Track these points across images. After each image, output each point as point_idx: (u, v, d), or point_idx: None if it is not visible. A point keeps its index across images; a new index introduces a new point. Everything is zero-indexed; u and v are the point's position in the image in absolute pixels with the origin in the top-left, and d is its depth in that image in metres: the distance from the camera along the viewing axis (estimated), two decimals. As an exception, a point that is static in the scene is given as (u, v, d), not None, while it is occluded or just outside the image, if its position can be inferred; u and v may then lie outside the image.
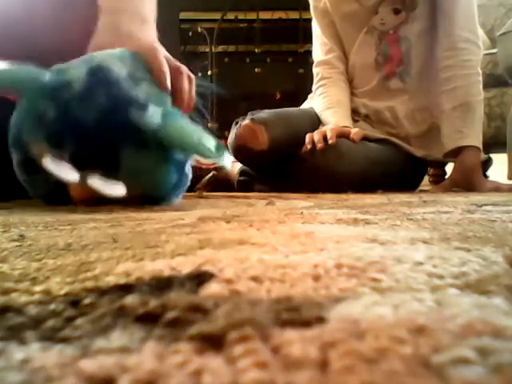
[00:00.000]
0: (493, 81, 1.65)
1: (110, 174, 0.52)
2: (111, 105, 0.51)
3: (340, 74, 1.31)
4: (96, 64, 0.54)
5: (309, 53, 1.45)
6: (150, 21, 0.69)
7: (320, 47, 1.35)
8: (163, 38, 0.82)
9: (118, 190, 0.53)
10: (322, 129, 1.16)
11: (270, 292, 0.17)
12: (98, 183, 0.52)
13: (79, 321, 0.14)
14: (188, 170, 0.61)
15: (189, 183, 0.63)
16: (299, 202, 0.72)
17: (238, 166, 1.34)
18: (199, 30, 2.85)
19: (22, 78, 0.55)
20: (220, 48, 2.82)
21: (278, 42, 2.87)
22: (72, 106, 0.51)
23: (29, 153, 0.54)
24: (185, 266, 0.21)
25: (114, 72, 0.53)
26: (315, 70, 1.35)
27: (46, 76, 0.54)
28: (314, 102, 1.33)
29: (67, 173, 0.52)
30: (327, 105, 1.26)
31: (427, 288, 0.17)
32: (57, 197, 0.58)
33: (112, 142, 0.52)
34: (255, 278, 0.19)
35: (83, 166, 0.52)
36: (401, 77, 1.25)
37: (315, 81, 1.35)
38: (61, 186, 0.54)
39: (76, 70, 0.54)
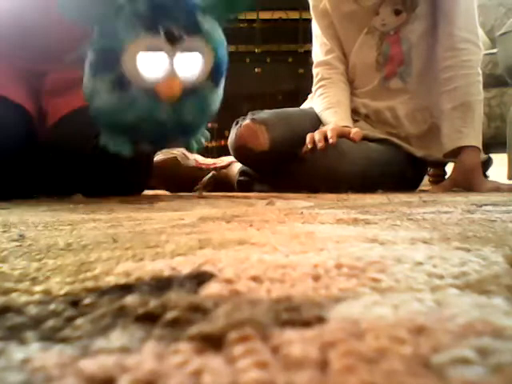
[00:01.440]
0: (493, 81, 1.65)
1: (196, 39, 0.63)
2: None
3: (340, 75, 1.31)
4: None
5: (309, 53, 1.44)
6: None
7: (320, 48, 1.34)
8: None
9: (198, 67, 0.63)
10: (322, 129, 1.16)
11: (270, 292, 0.17)
12: (183, 66, 0.62)
13: (79, 321, 0.14)
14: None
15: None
16: (299, 202, 0.72)
17: (238, 165, 1.34)
18: (199, 29, 2.84)
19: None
20: None
21: (278, 42, 2.87)
22: None
23: (120, 67, 0.61)
24: (185, 265, 0.21)
25: None
26: (315, 70, 1.35)
27: None
28: (314, 102, 1.33)
29: (160, 65, 0.61)
30: (327, 105, 1.26)
31: (427, 288, 0.17)
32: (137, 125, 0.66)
33: (192, 11, 0.62)
34: (255, 278, 0.19)
35: (174, 40, 0.61)
36: (401, 77, 1.25)
37: (315, 81, 1.34)
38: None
39: None
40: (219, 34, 0.67)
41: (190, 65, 0.63)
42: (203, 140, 0.74)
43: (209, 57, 0.64)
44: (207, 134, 0.75)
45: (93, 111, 0.67)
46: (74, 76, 1.00)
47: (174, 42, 0.61)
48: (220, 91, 0.71)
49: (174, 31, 0.61)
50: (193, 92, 0.65)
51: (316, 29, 1.35)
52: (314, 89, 1.35)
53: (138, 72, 0.61)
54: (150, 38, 0.60)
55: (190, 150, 0.75)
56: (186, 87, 0.63)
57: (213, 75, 0.66)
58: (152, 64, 0.61)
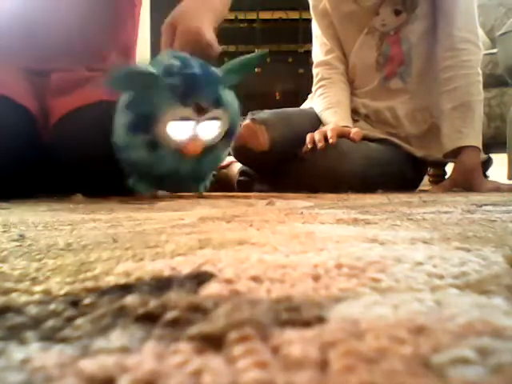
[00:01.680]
0: (493, 81, 1.64)
1: (218, 109, 0.74)
2: (209, 68, 0.76)
3: (340, 75, 1.31)
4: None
5: (309, 53, 1.44)
6: (216, 13, 0.87)
7: (320, 48, 1.34)
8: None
9: (217, 131, 0.75)
10: (322, 129, 1.16)
11: (270, 292, 0.17)
12: (205, 131, 0.74)
13: (79, 321, 0.14)
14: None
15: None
16: (299, 202, 0.72)
17: (238, 165, 1.34)
18: (199, 29, 2.84)
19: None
20: (220, 48, 2.82)
21: (278, 42, 2.87)
22: (189, 73, 0.73)
23: (154, 131, 0.71)
24: (185, 266, 0.21)
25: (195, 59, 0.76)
26: (315, 70, 1.35)
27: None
28: (314, 102, 1.33)
29: (187, 130, 0.72)
30: (327, 105, 1.26)
31: (427, 288, 0.17)
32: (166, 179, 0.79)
33: (216, 86, 0.75)
34: (255, 278, 0.19)
35: (201, 111, 0.72)
36: (401, 77, 1.25)
37: (315, 81, 1.34)
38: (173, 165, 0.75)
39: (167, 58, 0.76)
40: (235, 102, 0.81)
41: (211, 129, 0.75)
42: (208, 184, 0.88)
43: (225, 122, 0.77)
44: (212, 178, 0.89)
45: (124, 162, 0.78)
46: (77, 76, 1.01)
47: (200, 112, 0.72)
48: (229, 145, 0.85)
49: (202, 104, 0.72)
50: (210, 150, 0.77)
51: (316, 29, 1.35)
52: (313, 89, 1.35)
53: (168, 136, 0.72)
54: (182, 108, 0.71)
55: (198, 193, 0.87)
56: (206, 147, 0.75)
57: (227, 135, 0.79)
58: (180, 129, 0.72)
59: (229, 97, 0.78)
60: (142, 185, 0.80)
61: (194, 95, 0.71)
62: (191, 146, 0.73)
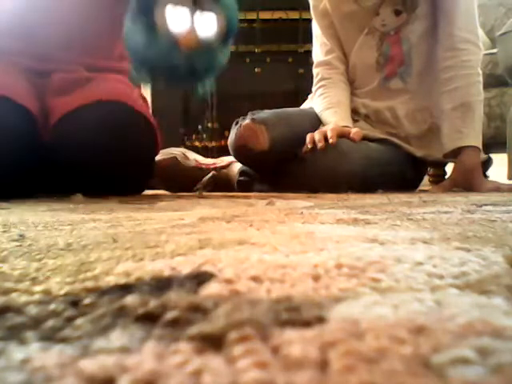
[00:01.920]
0: (493, 81, 1.64)
1: (213, 3, 0.77)
2: None
3: (340, 75, 1.31)
4: None
5: (309, 53, 1.44)
6: None
7: (320, 48, 1.34)
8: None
9: (213, 28, 0.78)
10: (322, 128, 1.16)
11: (270, 292, 0.17)
12: (201, 25, 0.76)
13: (79, 321, 0.14)
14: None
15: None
16: (299, 202, 0.72)
17: (238, 165, 1.34)
18: (199, 30, 2.84)
19: None
20: None
21: (278, 42, 2.87)
22: None
23: (153, 16, 0.75)
24: (185, 265, 0.21)
25: None
26: (315, 70, 1.35)
27: None
28: (314, 102, 1.33)
29: (183, 21, 0.75)
30: (327, 105, 1.26)
31: (427, 288, 0.17)
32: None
33: None
34: (255, 278, 0.19)
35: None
36: (402, 77, 1.25)
37: (315, 81, 1.34)
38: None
39: None
40: (234, 9, 0.82)
41: (206, 25, 0.78)
42: (208, 88, 0.88)
43: (222, 21, 0.79)
44: (212, 84, 0.89)
45: (128, 49, 0.82)
46: (77, 76, 1.01)
47: (199, 5, 0.75)
48: (228, 50, 0.87)
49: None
50: (206, 47, 0.79)
51: (316, 29, 1.35)
52: (314, 89, 1.35)
53: (165, 22, 0.75)
54: None
55: (195, 94, 0.87)
56: (201, 42, 0.77)
57: (223, 37, 0.81)
58: (177, 19, 0.75)
59: (228, 1, 0.81)
60: (140, 73, 0.83)
61: None
62: (186, 38, 0.76)
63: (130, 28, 0.80)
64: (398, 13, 1.21)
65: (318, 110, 1.29)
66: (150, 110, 1.11)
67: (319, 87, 1.31)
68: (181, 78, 0.85)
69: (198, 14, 0.76)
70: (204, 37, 0.78)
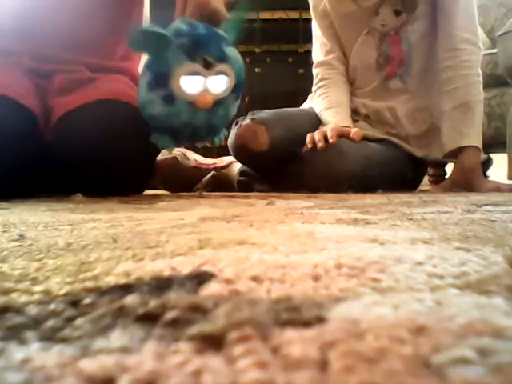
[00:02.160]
0: (493, 81, 1.64)
1: (224, 63, 0.84)
2: (213, 29, 0.87)
3: (340, 75, 1.31)
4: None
5: (309, 53, 1.44)
6: None
7: (320, 48, 1.34)
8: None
9: (224, 84, 0.85)
10: (322, 128, 1.16)
11: (270, 292, 0.17)
12: (214, 85, 0.83)
13: (79, 321, 0.14)
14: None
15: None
16: (299, 202, 0.72)
17: (238, 165, 1.34)
18: (199, 29, 2.84)
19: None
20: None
21: (278, 42, 2.87)
22: (195, 33, 0.83)
23: (169, 86, 0.81)
24: (185, 266, 0.21)
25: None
26: (315, 70, 1.35)
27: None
28: (314, 102, 1.33)
29: (198, 84, 0.82)
30: (327, 105, 1.26)
31: (427, 288, 0.17)
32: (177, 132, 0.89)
33: (220, 43, 0.85)
34: (255, 278, 0.19)
35: (208, 66, 0.82)
36: (401, 77, 1.25)
37: (315, 81, 1.34)
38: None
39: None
40: (238, 58, 0.90)
41: (219, 83, 0.85)
42: (223, 137, 0.96)
43: (232, 77, 0.86)
44: (226, 132, 0.98)
45: (146, 117, 0.88)
46: (79, 76, 1.01)
47: (208, 67, 0.82)
48: (238, 102, 0.94)
49: (208, 59, 0.82)
50: (220, 103, 0.86)
51: (316, 29, 1.35)
52: (314, 89, 1.35)
53: (182, 90, 0.81)
54: (191, 64, 0.81)
55: (213, 144, 0.96)
56: (216, 100, 0.85)
57: (234, 90, 0.88)
58: (192, 84, 0.82)
59: (232, 53, 0.87)
60: (163, 139, 0.90)
61: (201, 51, 0.82)
62: (202, 98, 0.83)
63: (147, 98, 0.85)
64: (397, 13, 1.21)
65: (317, 110, 1.29)
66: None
67: (319, 87, 1.31)
68: (202, 136, 0.92)
69: (210, 77, 0.82)
70: (218, 94, 0.84)
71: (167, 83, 0.82)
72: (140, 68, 0.90)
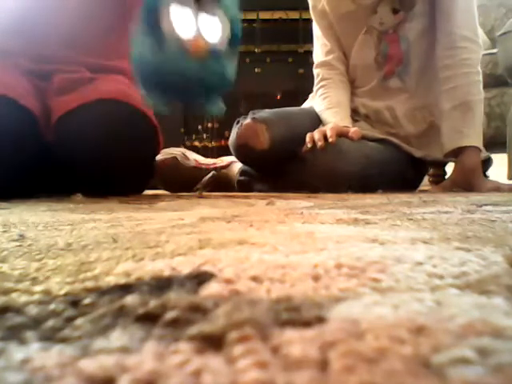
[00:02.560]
0: (493, 81, 1.65)
1: (216, 6, 0.75)
2: None
3: (340, 75, 1.31)
4: None
5: (309, 53, 1.45)
6: None
7: (320, 48, 1.35)
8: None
9: (219, 32, 0.76)
10: (321, 128, 1.16)
11: (270, 292, 0.17)
12: (207, 30, 0.74)
13: (79, 321, 0.14)
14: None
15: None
16: (299, 202, 0.72)
17: (239, 165, 1.34)
18: (199, 29, 2.84)
19: None
20: None
21: (278, 42, 2.87)
22: None
23: (160, 27, 0.71)
24: (185, 266, 0.21)
25: None
26: (315, 71, 1.35)
27: None
28: (315, 102, 1.33)
29: (189, 26, 0.72)
30: (327, 105, 1.26)
31: (427, 288, 0.17)
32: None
33: None
34: (255, 278, 0.19)
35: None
36: (400, 76, 1.25)
37: (316, 82, 1.35)
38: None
39: None
40: (235, 8, 0.80)
41: (212, 29, 0.75)
42: (222, 106, 0.85)
43: (226, 26, 0.76)
44: (223, 106, 0.86)
45: (137, 70, 0.79)
46: (79, 77, 1.01)
47: (201, 8, 0.73)
48: (235, 62, 0.84)
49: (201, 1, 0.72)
50: (215, 56, 0.76)
51: (316, 29, 1.35)
52: (314, 89, 1.36)
53: (173, 27, 0.71)
54: (182, 1, 0.71)
55: (210, 113, 0.84)
56: (210, 48, 0.74)
57: (230, 44, 0.78)
58: (183, 23, 0.72)
59: (230, 3, 0.79)
60: (153, 96, 0.80)
61: None
62: (195, 44, 0.73)
63: (136, 45, 0.77)
64: (395, 11, 1.20)
65: (318, 110, 1.29)
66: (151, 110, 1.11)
67: (320, 87, 1.32)
68: (194, 94, 0.81)
69: (202, 17, 0.73)
70: (212, 42, 0.75)
71: (157, 23, 0.72)
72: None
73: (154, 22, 0.73)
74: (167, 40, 0.72)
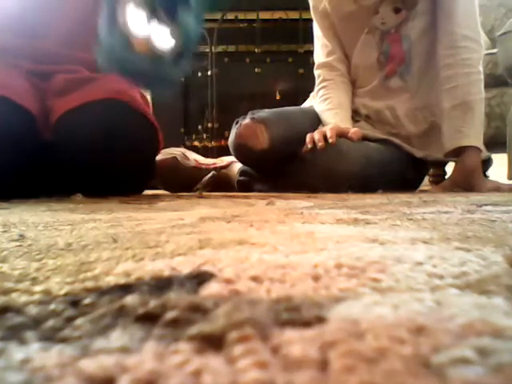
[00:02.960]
0: (493, 81, 1.64)
1: (170, 21, 0.78)
2: None
3: (341, 77, 1.31)
4: None
5: (309, 53, 1.45)
6: None
7: (321, 49, 1.34)
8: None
9: (168, 42, 0.79)
10: (321, 128, 1.16)
11: (270, 292, 0.17)
12: (159, 39, 0.78)
13: (79, 321, 0.14)
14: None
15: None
16: (299, 202, 0.72)
17: (238, 165, 1.34)
18: (199, 29, 2.84)
19: None
20: (220, 48, 2.82)
21: (278, 42, 2.87)
22: None
23: (116, 11, 0.76)
24: (185, 266, 0.21)
25: None
26: (316, 72, 1.35)
27: None
28: (315, 104, 1.33)
29: (141, 26, 0.77)
30: (328, 106, 1.26)
31: (427, 288, 0.17)
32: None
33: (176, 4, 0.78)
34: (255, 278, 0.19)
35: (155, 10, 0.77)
36: (401, 75, 1.25)
37: (317, 83, 1.35)
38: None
39: None
40: (193, 26, 0.82)
41: (161, 38, 0.79)
42: (164, 95, 0.94)
43: (178, 38, 0.80)
44: (166, 95, 0.92)
45: (102, 52, 0.81)
46: (79, 76, 1.01)
47: (153, 10, 0.76)
48: (181, 68, 0.85)
49: (157, 9, 0.77)
50: (156, 56, 0.79)
51: (317, 30, 1.35)
52: (315, 90, 1.36)
53: (125, 20, 0.76)
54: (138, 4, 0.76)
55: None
56: (152, 50, 0.78)
57: (177, 54, 0.81)
58: (135, 22, 0.77)
59: (190, 18, 0.81)
60: (104, 60, 0.82)
61: (153, 2, 0.77)
62: (140, 41, 0.78)
63: (104, 33, 0.81)
64: (397, 10, 1.20)
65: (318, 111, 1.29)
66: (151, 110, 1.11)
67: (321, 88, 1.31)
68: (135, 73, 0.85)
69: (154, 23, 0.78)
70: (157, 47, 0.79)
71: (115, 9, 0.78)
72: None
73: (112, 13, 0.78)
74: (118, 28, 0.77)
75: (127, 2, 0.77)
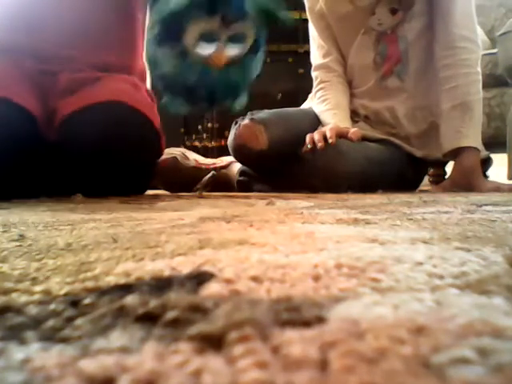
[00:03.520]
0: (493, 81, 1.64)
1: (244, 22, 0.79)
2: None
3: (338, 77, 1.31)
4: None
5: (309, 53, 1.44)
6: None
7: (317, 50, 1.34)
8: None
9: (240, 44, 0.81)
10: (321, 129, 1.16)
11: (270, 292, 0.17)
12: (230, 45, 0.79)
13: (79, 321, 0.14)
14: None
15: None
16: (299, 202, 0.72)
17: (238, 165, 1.34)
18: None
19: None
20: None
21: (278, 42, 2.87)
22: None
23: (182, 41, 0.77)
24: (185, 266, 0.21)
25: None
26: (314, 73, 1.35)
27: None
28: (314, 105, 1.33)
29: (213, 42, 0.77)
30: (327, 108, 1.26)
31: (427, 288, 0.17)
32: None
33: (242, 3, 0.78)
34: (255, 278, 0.19)
35: (227, 23, 0.77)
36: (398, 75, 1.25)
37: (314, 84, 1.35)
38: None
39: None
40: (263, 12, 0.82)
41: (234, 40, 0.80)
42: (243, 101, 0.89)
43: (251, 35, 0.81)
44: (245, 99, 0.90)
45: (157, 76, 0.83)
46: (84, 76, 1.00)
47: (225, 25, 0.77)
48: (259, 61, 0.90)
49: (227, 17, 0.77)
50: (237, 63, 0.81)
51: (313, 31, 1.35)
52: (313, 91, 1.36)
53: (195, 48, 0.77)
54: (208, 19, 0.76)
55: (233, 110, 0.88)
56: (231, 58, 0.80)
57: (254, 48, 0.84)
58: (207, 40, 0.77)
59: (256, 8, 0.81)
60: (175, 102, 0.84)
61: (219, 8, 0.77)
62: (216, 59, 0.78)
63: (157, 53, 0.80)
64: (393, 11, 1.20)
65: (317, 112, 1.29)
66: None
67: (318, 90, 1.31)
68: (218, 97, 0.85)
69: (225, 32, 0.77)
70: (233, 53, 0.80)
71: (179, 38, 0.77)
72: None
73: (175, 36, 0.77)
74: (189, 54, 0.77)
75: (195, 28, 0.76)
